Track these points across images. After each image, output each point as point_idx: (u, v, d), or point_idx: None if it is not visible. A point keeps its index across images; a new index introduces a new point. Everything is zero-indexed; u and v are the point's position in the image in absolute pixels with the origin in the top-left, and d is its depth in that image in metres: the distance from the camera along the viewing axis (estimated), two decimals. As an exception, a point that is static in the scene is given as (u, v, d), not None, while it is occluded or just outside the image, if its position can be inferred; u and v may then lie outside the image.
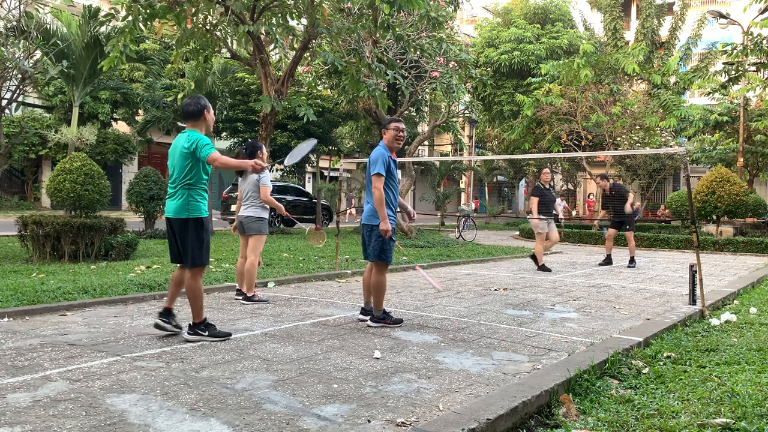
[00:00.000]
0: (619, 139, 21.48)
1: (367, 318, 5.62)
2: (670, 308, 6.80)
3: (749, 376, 3.98)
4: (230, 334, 4.91)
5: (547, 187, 10.74)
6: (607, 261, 12.02)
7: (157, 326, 4.90)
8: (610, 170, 23.59)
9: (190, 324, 4.83)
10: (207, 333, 4.79)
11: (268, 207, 6.80)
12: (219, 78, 16.96)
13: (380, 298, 5.51)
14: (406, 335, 5.17)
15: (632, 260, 11.70)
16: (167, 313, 4.94)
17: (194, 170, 4.76)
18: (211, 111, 4.94)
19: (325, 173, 29.00)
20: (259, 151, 6.64)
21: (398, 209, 5.89)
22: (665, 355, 4.61)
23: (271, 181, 8.38)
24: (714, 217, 16.81)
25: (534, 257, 10.92)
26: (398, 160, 11.99)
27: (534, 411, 3.37)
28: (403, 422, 3.12)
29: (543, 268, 10.60)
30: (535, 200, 10.54)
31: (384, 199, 5.38)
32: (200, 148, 4.65)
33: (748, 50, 15.46)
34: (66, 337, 4.83)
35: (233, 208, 19.78)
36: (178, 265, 4.95)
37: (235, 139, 21.68)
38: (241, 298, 6.70)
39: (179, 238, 4.79)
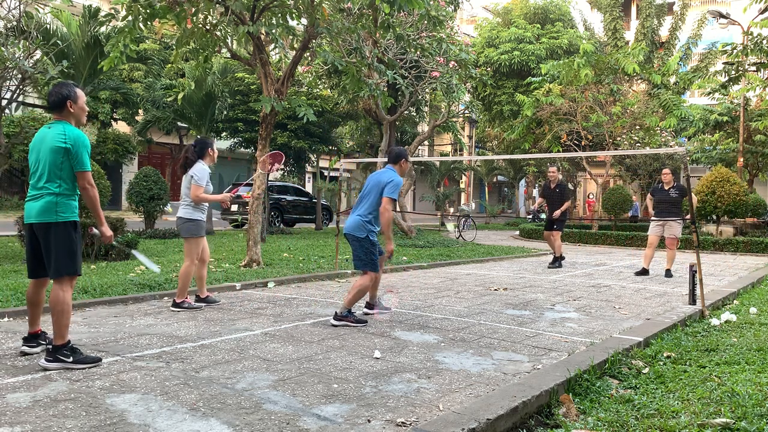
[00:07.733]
0: (619, 139, 21.49)
1: (372, 311, 6.02)
2: (670, 308, 6.80)
3: (749, 376, 3.98)
4: (100, 360, 4.10)
5: (667, 188, 9.85)
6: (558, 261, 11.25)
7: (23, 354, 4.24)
8: (611, 170, 23.55)
9: (48, 348, 4.06)
10: (72, 358, 3.97)
11: (204, 208, 6.28)
12: (219, 78, 16.95)
13: (357, 298, 5.64)
14: (406, 335, 5.17)
15: (558, 259, 11.11)
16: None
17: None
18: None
19: (325, 173, 29.00)
20: (209, 149, 6.33)
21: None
22: (665, 355, 4.61)
23: (271, 180, 8.28)
24: (714, 217, 16.81)
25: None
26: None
27: (534, 411, 3.37)
28: (403, 422, 3.12)
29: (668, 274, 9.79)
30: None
31: (392, 220, 5.70)
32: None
33: (748, 50, 15.45)
34: (66, 337, 4.83)
35: (234, 208, 19.76)
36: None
37: (236, 139, 21.68)
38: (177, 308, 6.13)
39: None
